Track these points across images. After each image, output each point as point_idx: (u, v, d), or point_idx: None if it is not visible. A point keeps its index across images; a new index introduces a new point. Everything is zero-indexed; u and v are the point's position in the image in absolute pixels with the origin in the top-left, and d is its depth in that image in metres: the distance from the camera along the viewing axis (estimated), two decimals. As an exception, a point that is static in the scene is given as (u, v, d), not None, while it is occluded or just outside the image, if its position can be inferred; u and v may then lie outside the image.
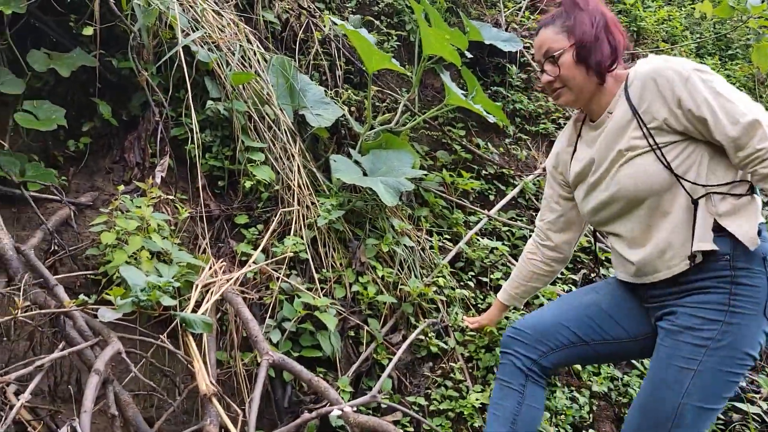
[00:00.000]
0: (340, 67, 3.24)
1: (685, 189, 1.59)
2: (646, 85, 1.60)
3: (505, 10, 3.93)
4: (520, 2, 4.03)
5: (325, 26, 3.17)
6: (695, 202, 1.58)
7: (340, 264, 2.58)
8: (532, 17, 3.98)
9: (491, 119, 3.02)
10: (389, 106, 3.32)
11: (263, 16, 3.04)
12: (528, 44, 3.79)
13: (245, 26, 2.87)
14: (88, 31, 2.32)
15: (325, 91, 2.95)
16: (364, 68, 3.17)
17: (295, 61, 3.08)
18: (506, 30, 3.76)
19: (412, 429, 2.24)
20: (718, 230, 1.56)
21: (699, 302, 1.59)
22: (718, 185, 1.58)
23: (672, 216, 1.61)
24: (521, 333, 1.90)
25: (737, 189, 1.58)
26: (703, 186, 1.58)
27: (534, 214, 3.29)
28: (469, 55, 3.36)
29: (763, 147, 1.47)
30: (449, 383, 2.43)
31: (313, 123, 2.76)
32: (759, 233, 1.57)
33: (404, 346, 1.40)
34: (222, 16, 2.79)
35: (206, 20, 2.66)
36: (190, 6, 2.64)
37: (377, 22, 3.52)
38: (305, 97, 2.84)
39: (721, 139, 1.52)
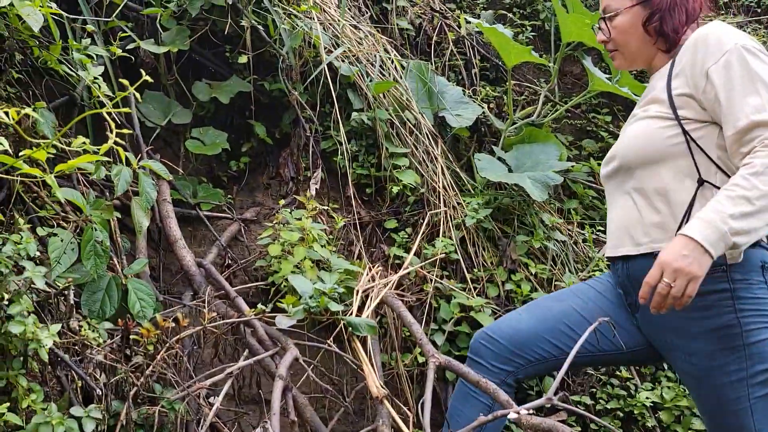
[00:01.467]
0: (476, 65, 3.22)
1: (695, 161, 1.42)
2: (687, 49, 1.44)
3: (646, -17, 3.69)
4: (662, -27, 3.76)
5: (459, 27, 3.17)
6: (701, 182, 1.41)
7: (491, 262, 2.57)
8: (676, -13, 3.70)
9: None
10: (528, 99, 3.26)
11: (397, 24, 3.10)
12: (674, 17, 3.54)
13: (381, 36, 2.95)
14: (243, 59, 2.50)
15: (462, 90, 2.95)
16: (501, 63, 3.14)
17: (431, 63, 3.12)
18: (649, 5, 3.53)
19: (579, 429, 2.19)
20: None
21: (708, 331, 1.41)
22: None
23: (669, 194, 1.44)
24: (496, 343, 1.66)
25: None
26: (716, 166, 1.41)
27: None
28: (611, 37, 3.19)
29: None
30: (615, 381, 2.33)
31: (453, 124, 2.78)
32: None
33: (578, 345, 1.36)
34: (359, 29, 2.89)
35: (345, 35, 2.76)
36: (330, 24, 2.75)
37: (510, 15, 3.46)
38: (444, 99, 2.86)
39: (726, 129, 1.37)
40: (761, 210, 1.29)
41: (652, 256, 1.40)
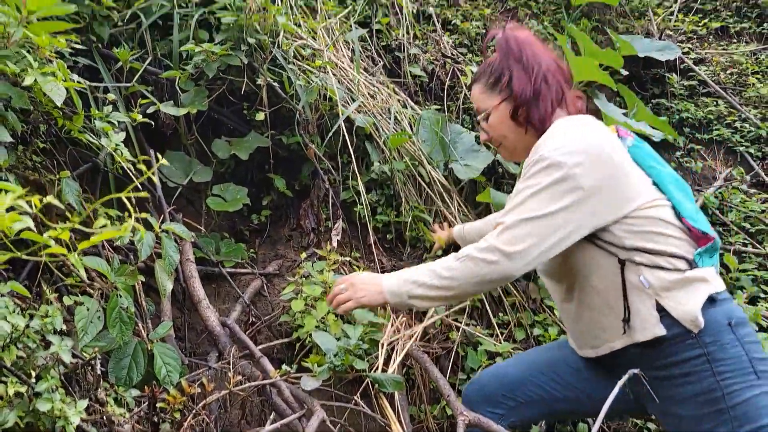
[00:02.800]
0: (490, 107, 3.23)
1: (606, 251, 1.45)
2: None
3: (656, 17, 3.71)
4: (671, 6, 3.78)
5: (472, 72, 3.20)
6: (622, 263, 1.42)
7: (516, 305, 2.54)
8: (687, 19, 3.72)
9: (656, 138, 2.84)
10: (544, 138, 3.25)
11: (410, 71, 3.14)
12: (687, 48, 3.55)
13: (395, 86, 2.99)
14: (260, 116, 2.54)
15: (477, 136, 2.96)
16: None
17: (444, 109, 3.14)
18: (660, 38, 3.55)
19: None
20: (661, 310, 1.40)
21: (692, 396, 1.40)
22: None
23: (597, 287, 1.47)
24: (485, 388, 1.74)
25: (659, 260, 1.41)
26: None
27: (720, 230, 3.02)
28: (624, 72, 3.20)
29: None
30: (651, 426, 2.27)
31: (461, 175, 2.77)
32: (713, 300, 1.38)
33: (615, 391, 1.33)
34: (373, 79, 2.93)
35: (359, 89, 2.80)
36: (344, 77, 2.80)
37: (521, 55, 3.48)
38: (456, 149, 2.87)
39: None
40: (443, 289, 1.44)
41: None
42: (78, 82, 1.98)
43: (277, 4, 2.75)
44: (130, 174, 2.16)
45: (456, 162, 2.83)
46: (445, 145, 2.86)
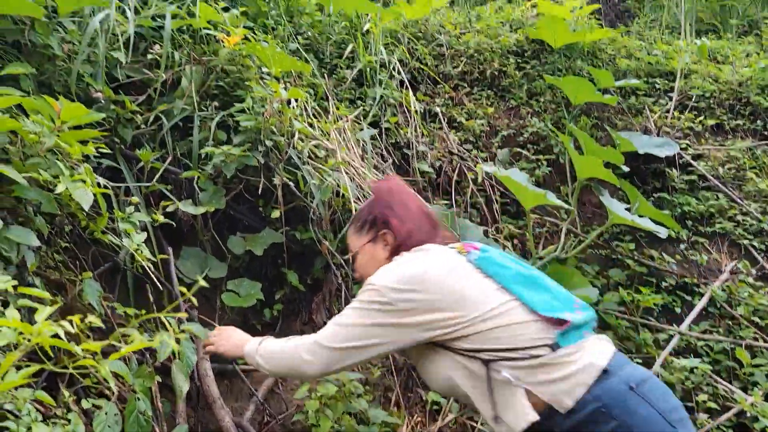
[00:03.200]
0: (496, 201, 3.33)
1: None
2: None
3: (653, 114, 3.87)
4: (667, 104, 3.96)
5: (476, 165, 3.31)
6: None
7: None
8: (683, 116, 3.88)
9: (662, 234, 2.90)
10: (550, 230, 3.32)
11: (418, 168, 3.25)
12: (685, 144, 3.68)
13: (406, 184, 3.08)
14: (275, 213, 2.61)
15: (485, 230, 3.03)
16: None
17: (452, 203, 3.23)
18: (658, 134, 3.69)
19: None
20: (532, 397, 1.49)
21: None
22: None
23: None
24: None
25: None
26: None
27: (730, 323, 3.03)
28: (626, 169, 3.31)
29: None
30: None
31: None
32: (606, 372, 1.47)
33: None
34: (383, 176, 3.03)
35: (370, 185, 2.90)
36: (356, 174, 2.90)
37: (524, 151, 3.61)
38: (466, 243, 2.93)
39: None
40: (271, 369, 1.74)
41: None
42: (104, 186, 2.07)
43: (292, 107, 2.89)
44: (149, 272, 2.21)
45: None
46: (454, 239, 2.92)
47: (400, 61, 3.62)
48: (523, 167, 3.47)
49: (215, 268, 2.62)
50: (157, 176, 2.55)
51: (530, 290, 1.59)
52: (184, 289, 1.59)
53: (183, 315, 1.82)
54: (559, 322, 1.52)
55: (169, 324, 1.38)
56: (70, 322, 0.97)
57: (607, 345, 1.58)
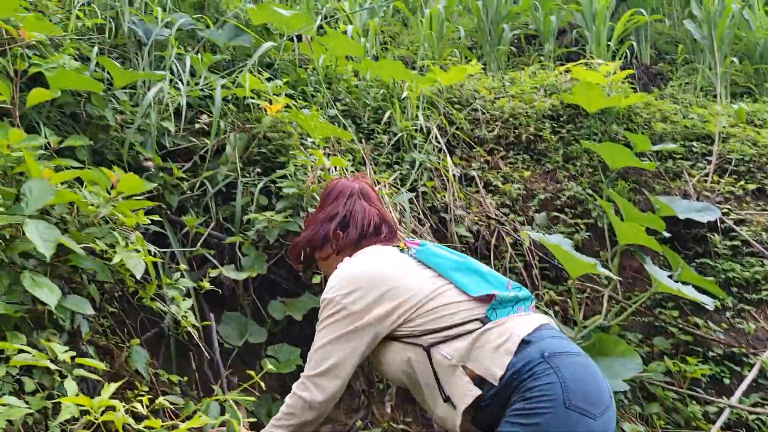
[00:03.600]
0: (535, 266, 3.31)
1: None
2: None
3: (691, 178, 3.85)
4: (705, 168, 3.93)
5: (515, 231, 3.31)
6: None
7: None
8: (722, 180, 3.84)
9: (709, 306, 2.83)
10: (591, 296, 3.27)
11: (456, 232, 3.26)
12: (726, 209, 3.63)
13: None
14: (316, 279, 2.63)
15: (526, 295, 2.99)
16: (559, 263, 3.22)
17: (491, 267, 3.21)
18: (698, 199, 3.65)
19: None
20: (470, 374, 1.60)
21: (509, 416, 1.54)
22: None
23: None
24: None
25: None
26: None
27: (784, 396, 2.92)
28: (666, 234, 3.27)
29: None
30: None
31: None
32: (527, 342, 1.57)
33: None
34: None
35: (410, 248, 2.91)
36: (395, 238, 2.91)
37: (562, 216, 3.60)
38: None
39: None
40: (284, 420, 1.78)
41: None
42: (154, 254, 2.12)
43: (332, 173, 2.94)
44: (194, 337, 2.23)
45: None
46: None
47: (437, 126, 3.68)
48: (561, 231, 3.46)
49: (255, 333, 2.63)
50: (201, 241, 2.61)
51: (463, 274, 1.74)
52: (252, 373, 1.67)
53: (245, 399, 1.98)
54: (488, 298, 1.66)
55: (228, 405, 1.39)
56: (140, 402, 0.98)
57: (537, 318, 1.69)
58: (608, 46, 5.30)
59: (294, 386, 1.80)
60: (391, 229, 2.01)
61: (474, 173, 3.62)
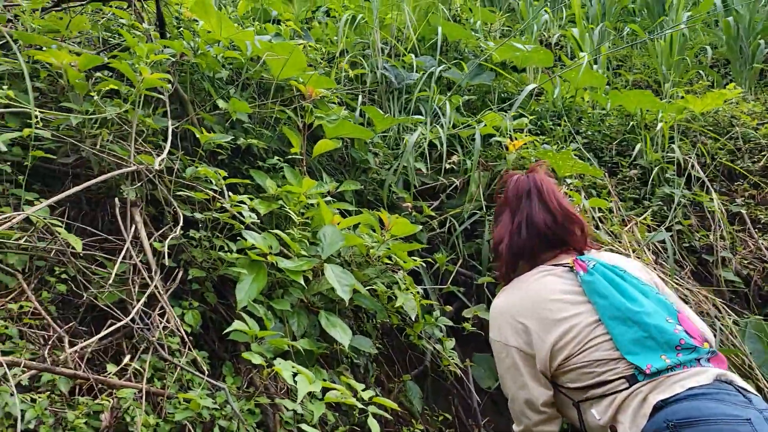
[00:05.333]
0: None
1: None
2: None
3: None
4: None
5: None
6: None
7: None
8: None
9: None
10: None
11: (723, 276, 2.92)
12: None
13: (707, 293, 2.78)
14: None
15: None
16: None
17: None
18: None
19: None
20: None
21: None
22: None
23: None
24: None
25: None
26: None
27: None
28: None
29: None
30: None
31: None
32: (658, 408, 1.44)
33: None
34: (680, 286, 2.77)
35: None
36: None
37: None
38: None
39: None
40: None
41: None
42: (418, 293, 2.17)
43: (589, 215, 2.81)
44: (449, 377, 2.24)
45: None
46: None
47: (695, 156, 3.37)
48: None
49: (506, 377, 2.57)
50: (450, 279, 2.63)
51: (623, 327, 1.56)
52: None
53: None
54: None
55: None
56: None
57: (699, 376, 1.48)
58: None
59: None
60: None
61: (739, 209, 3.23)
